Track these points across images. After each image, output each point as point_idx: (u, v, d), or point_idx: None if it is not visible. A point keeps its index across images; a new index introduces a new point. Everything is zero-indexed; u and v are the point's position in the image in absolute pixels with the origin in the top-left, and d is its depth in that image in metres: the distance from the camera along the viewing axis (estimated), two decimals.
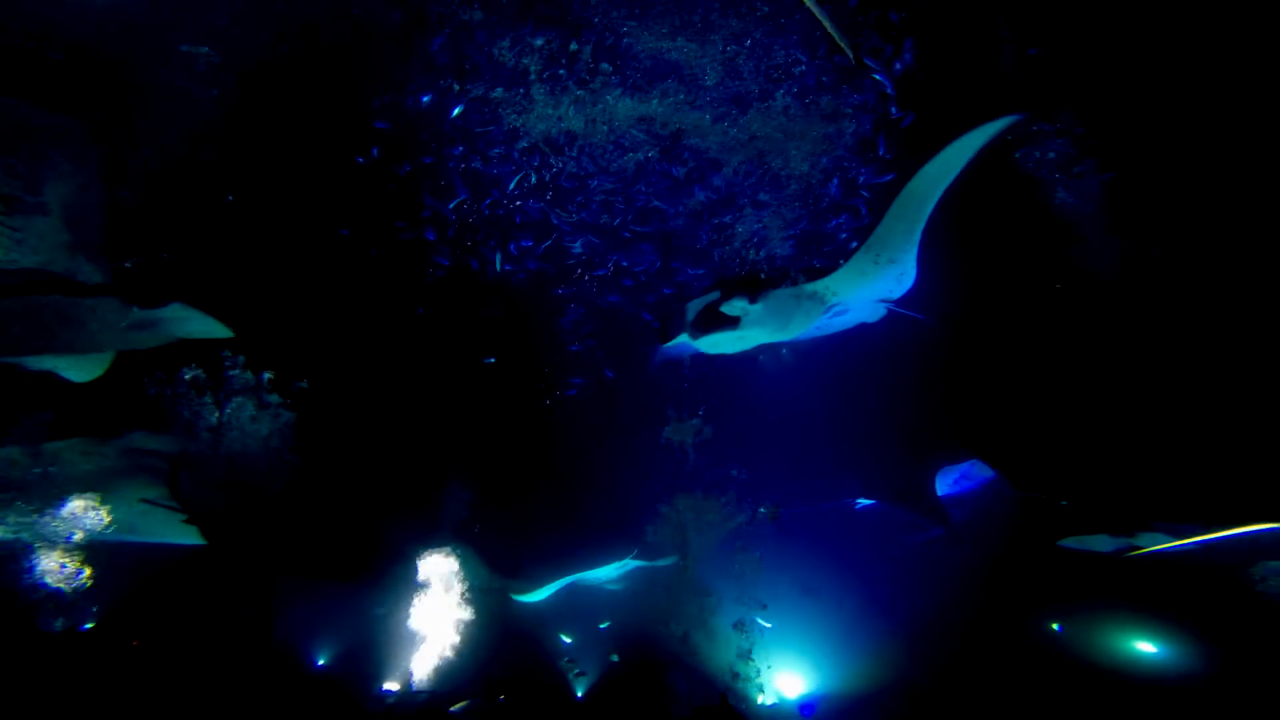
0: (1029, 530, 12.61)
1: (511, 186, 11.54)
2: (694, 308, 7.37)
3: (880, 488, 13.93)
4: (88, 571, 11.25)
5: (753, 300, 7.09)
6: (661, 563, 13.08)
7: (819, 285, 7.37)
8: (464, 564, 12.55)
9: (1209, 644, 10.36)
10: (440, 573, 12.43)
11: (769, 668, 12.76)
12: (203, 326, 10.58)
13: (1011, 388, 12.16)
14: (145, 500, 11.50)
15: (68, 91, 10.08)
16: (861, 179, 11.50)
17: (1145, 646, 11.28)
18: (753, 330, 7.51)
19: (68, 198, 10.29)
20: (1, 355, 10.07)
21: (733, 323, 7.26)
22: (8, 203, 9.35)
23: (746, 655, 12.53)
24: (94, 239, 11.02)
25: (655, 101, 10.30)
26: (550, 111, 10.19)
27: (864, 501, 14.43)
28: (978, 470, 13.93)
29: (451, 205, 12.10)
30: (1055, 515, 11.89)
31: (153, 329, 10.58)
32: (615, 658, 13.18)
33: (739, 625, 12.79)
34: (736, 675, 12.56)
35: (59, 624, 10.71)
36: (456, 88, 10.42)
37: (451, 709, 9.19)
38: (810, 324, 7.96)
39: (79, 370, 10.29)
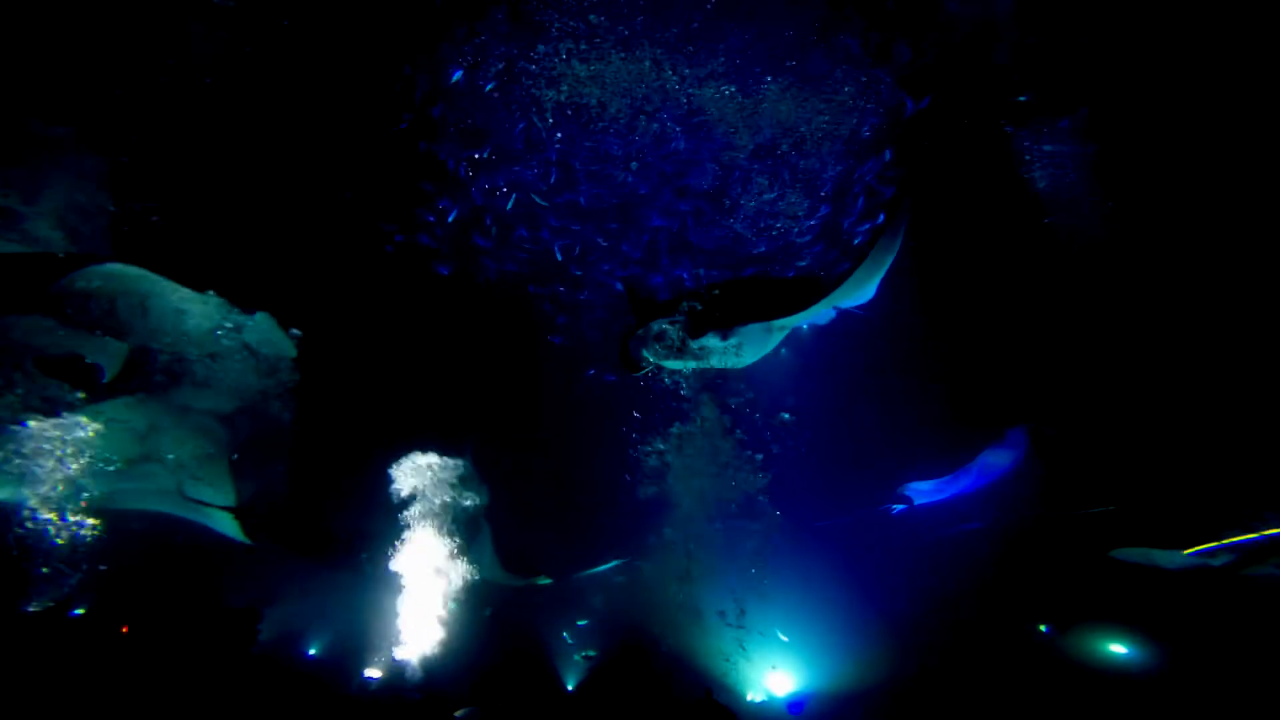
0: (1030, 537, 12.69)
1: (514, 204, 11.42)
2: (655, 328, 7.26)
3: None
4: (90, 542, 10.84)
5: (725, 337, 7.00)
6: (646, 565, 13.23)
7: (793, 320, 7.26)
8: (463, 555, 12.71)
9: (1183, 645, 10.50)
10: (439, 563, 12.60)
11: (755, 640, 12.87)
12: (278, 338, 10.74)
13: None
14: (192, 499, 11.39)
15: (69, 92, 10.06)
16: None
17: (1117, 648, 11.52)
18: (719, 359, 7.44)
19: (66, 206, 10.35)
20: None
21: (699, 354, 7.19)
22: (3, 215, 9.46)
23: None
24: (99, 239, 11.14)
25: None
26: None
27: (898, 507, 14.36)
28: (985, 470, 13.89)
29: (459, 210, 12.06)
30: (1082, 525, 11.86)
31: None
32: (592, 653, 13.35)
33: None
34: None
35: (50, 603, 10.34)
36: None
37: (456, 715, 9.31)
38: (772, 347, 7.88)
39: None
